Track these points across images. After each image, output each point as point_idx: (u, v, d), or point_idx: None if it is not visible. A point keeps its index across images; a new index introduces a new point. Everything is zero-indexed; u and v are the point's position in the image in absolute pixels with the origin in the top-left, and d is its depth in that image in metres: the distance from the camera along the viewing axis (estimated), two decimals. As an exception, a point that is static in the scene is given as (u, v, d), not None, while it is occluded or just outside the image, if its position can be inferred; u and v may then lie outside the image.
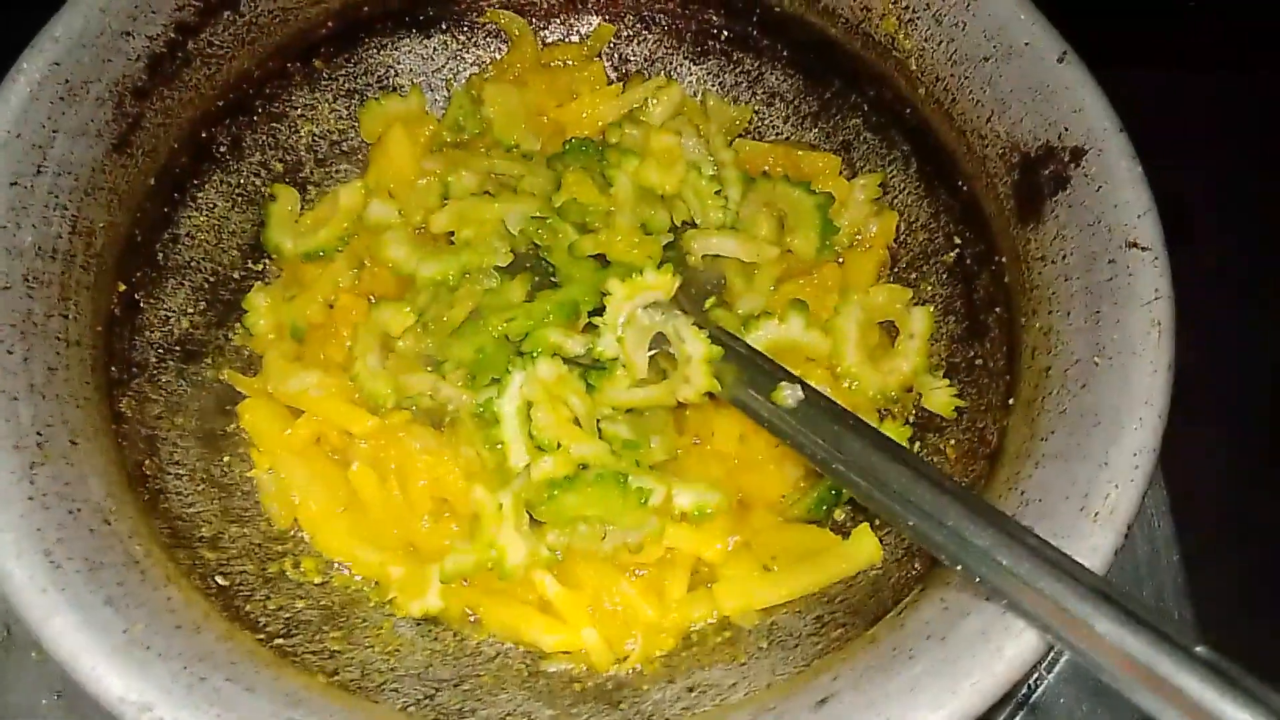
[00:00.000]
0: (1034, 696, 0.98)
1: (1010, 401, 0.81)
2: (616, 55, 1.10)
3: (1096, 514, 0.67)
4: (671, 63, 1.09)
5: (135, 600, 0.64)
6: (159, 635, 0.62)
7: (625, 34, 1.09)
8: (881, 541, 0.86)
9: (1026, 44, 0.86)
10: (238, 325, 0.95)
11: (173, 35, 0.86)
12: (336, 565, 0.88)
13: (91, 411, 0.74)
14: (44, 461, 0.67)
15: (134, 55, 0.83)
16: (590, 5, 1.08)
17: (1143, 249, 0.76)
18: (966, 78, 0.89)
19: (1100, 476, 0.68)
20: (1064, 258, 0.80)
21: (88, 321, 0.78)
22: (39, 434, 0.68)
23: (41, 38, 0.80)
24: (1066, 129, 0.83)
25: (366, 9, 1.00)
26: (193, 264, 0.93)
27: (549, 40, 1.09)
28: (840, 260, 0.99)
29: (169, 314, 0.90)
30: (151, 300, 0.88)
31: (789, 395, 0.80)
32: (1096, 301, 0.76)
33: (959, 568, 0.66)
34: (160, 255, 0.90)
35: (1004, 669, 0.63)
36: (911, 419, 0.93)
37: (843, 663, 0.67)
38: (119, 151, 0.83)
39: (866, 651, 0.67)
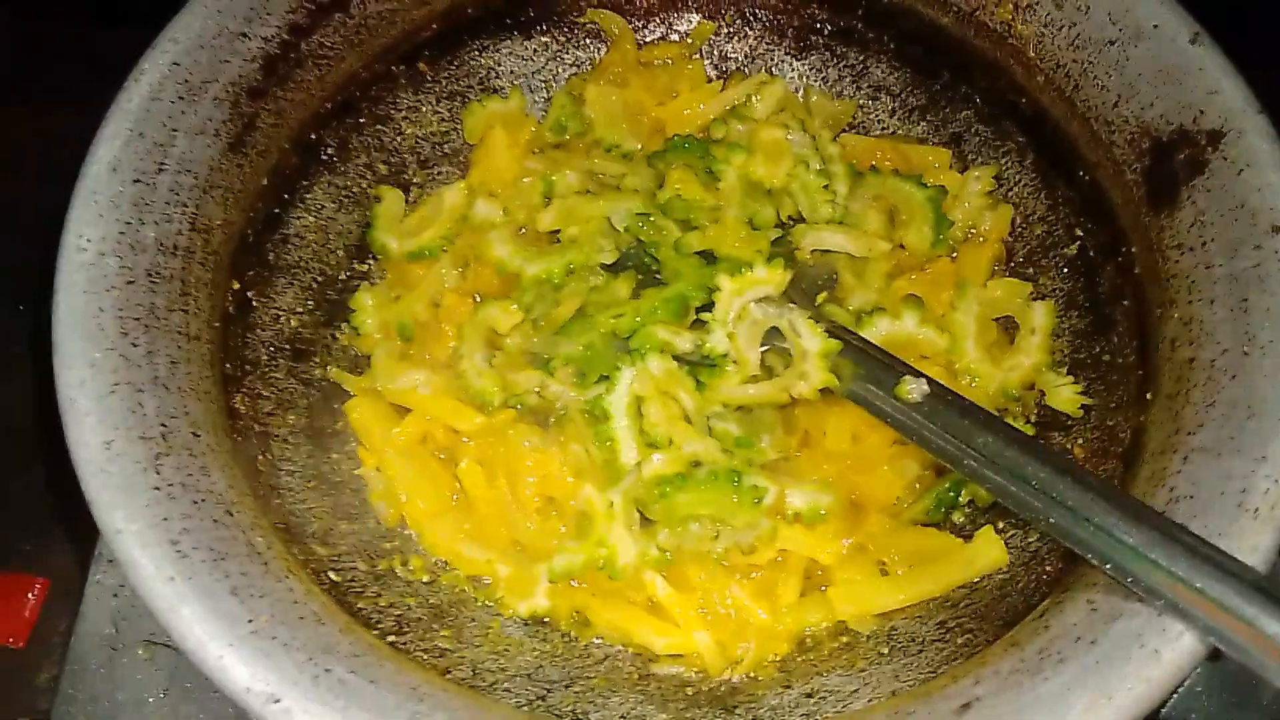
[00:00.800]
0: (1164, 710, 0.93)
1: (1148, 396, 0.77)
2: (716, 53, 1.08)
3: (1256, 510, 0.63)
4: (773, 59, 1.07)
5: (259, 591, 0.63)
6: (284, 626, 0.62)
7: (725, 31, 1.07)
8: (1006, 544, 0.82)
9: (1155, 25, 0.82)
10: (344, 325, 0.95)
11: (286, 36, 0.86)
12: (444, 564, 0.87)
13: (211, 406, 0.75)
14: (168, 452, 0.67)
15: (249, 56, 0.84)
16: (690, 3, 1.07)
17: (1291, 233, 0.72)
18: (1090, 62, 0.86)
19: (1258, 471, 0.64)
20: (1204, 245, 0.76)
21: (206, 317, 0.78)
22: (163, 425, 0.68)
23: (161, 39, 0.82)
24: (1202, 112, 0.79)
25: (470, 11, 1.00)
26: (301, 264, 0.93)
27: (648, 39, 1.08)
28: (954, 255, 0.96)
29: (279, 312, 0.90)
30: (263, 299, 0.89)
31: (913, 389, 0.77)
32: (1242, 289, 0.72)
33: (1107, 566, 0.63)
34: (271, 254, 0.91)
35: (1161, 674, 0.59)
36: (1033, 418, 0.89)
37: (983, 667, 0.63)
38: (234, 151, 0.84)
39: (1009, 656, 0.63)
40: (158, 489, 0.65)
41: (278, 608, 0.63)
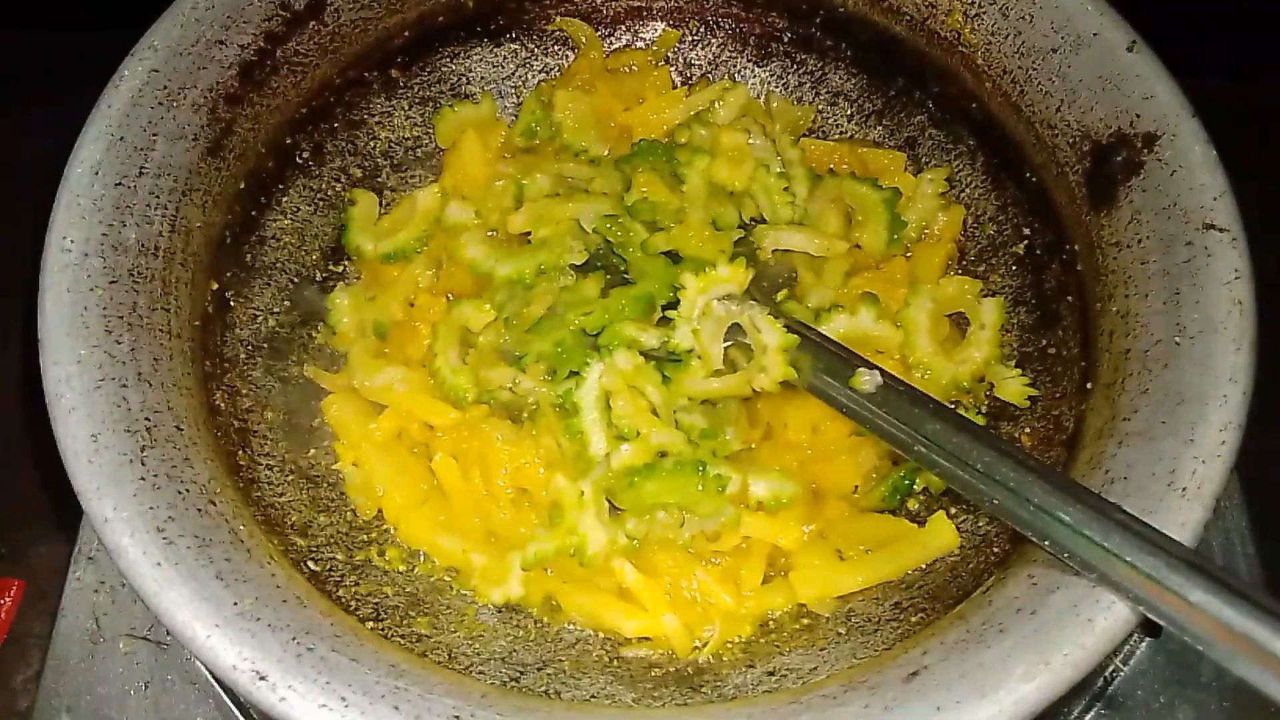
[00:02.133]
0: (1110, 689, 0.97)
1: (1088, 386, 0.81)
2: (681, 60, 1.12)
3: (1184, 489, 0.67)
4: (735, 65, 1.11)
5: (243, 576, 0.66)
6: (268, 608, 0.64)
7: (689, 39, 1.11)
8: (958, 529, 0.86)
9: (1095, 34, 0.87)
10: (320, 324, 0.97)
11: (262, 44, 0.89)
12: (420, 555, 0.90)
13: (192, 401, 0.77)
14: (153, 445, 0.70)
15: (227, 63, 0.87)
16: (655, 11, 1.11)
17: (1220, 230, 0.76)
18: (1035, 69, 0.90)
19: (1186, 452, 0.68)
20: (1139, 242, 0.80)
21: (186, 316, 0.81)
22: (147, 419, 0.71)
23: (140, 46, 0.84)
24: (1138, 116, 0.83)
25: (441, 19, 1.03)
26: (278, 265, 0.96)
27: (615, 46, 1.11)
28: (908, 254, 1.00)
29: (257, 312, 0.93)
30: (241, 299, 0.91)
31: (867, 381, 0.81)
32: (1175, 283, 0.76)
33: (1046, 543, 0.67)
34: (248, 256, 0.93)
35: (1095, 641, 0.63)
36: (984, 409, 0.93)
37: (931, 638, 0.67)
38: (212, 155, 0.86)
39: (955, 628, 0.67)
40: (143, 479, 0.67)
41: (261, 591, 0.65)
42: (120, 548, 0.64)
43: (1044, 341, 0.92)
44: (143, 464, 0.68)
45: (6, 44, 1.41)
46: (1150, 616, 0.63)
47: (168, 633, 0.92)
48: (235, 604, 0.63)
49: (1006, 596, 0.68)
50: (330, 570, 0.82)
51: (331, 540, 0.85)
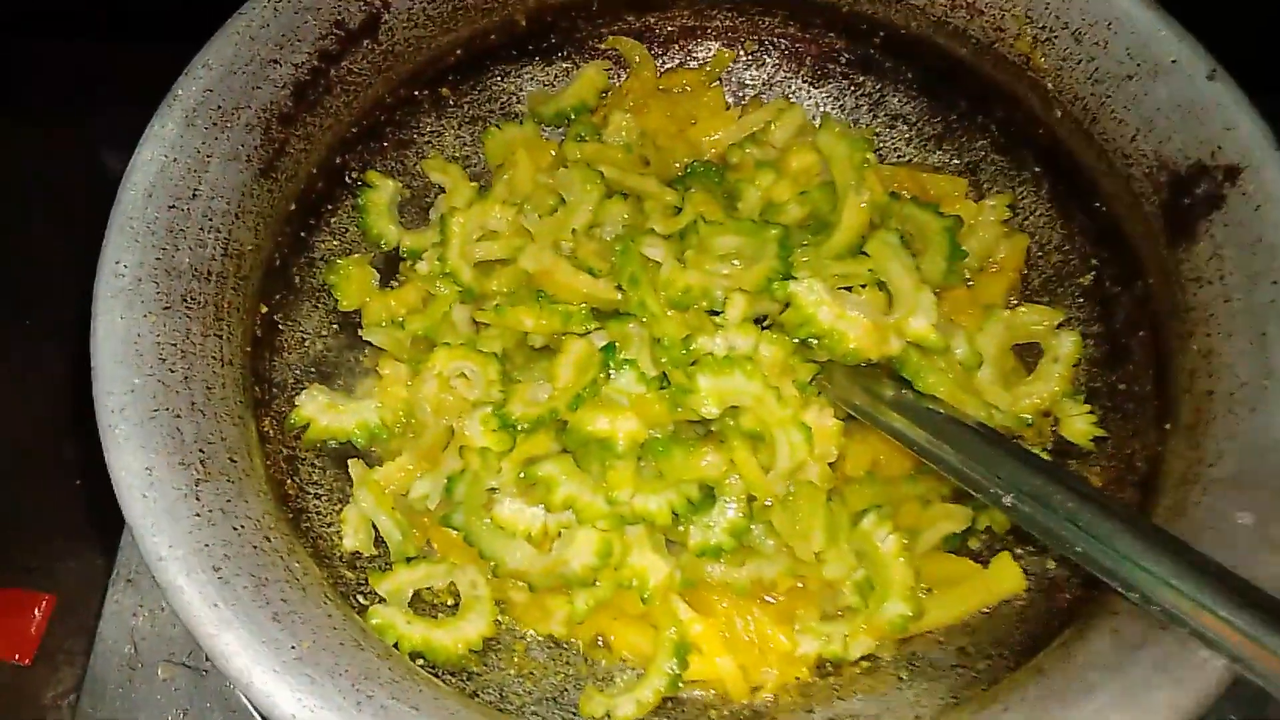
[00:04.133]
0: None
1: (1166, 426, 0.78)
2: (734, 80, 1.09)
3: (1277, 542, 0.64)
4: (790, 86, 1.08)
5: (300, 617, 0.64)
6: (326, 652, 0.62)
7: (744, 59, 1.09)
8: (1024, 571, 0.83)
9: (1173, 61, 0.84)
10: (368, 348, 0.95)
11: (316, 63, 0.87)
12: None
13: (244, 430, 0.76)
14: (207, 478, 0.68)
15: (281, 83, 0.85)
16: (709, 31, 1.08)
17: (1310, 269, 0.74)
18: (1108, 96, 0.87)
19: (1279, 503, 0.65)
20: (1222, 278, 0.77)
21: (238, 343, 0.79)
22: (201, 451, 0.69)
23: (194, 65, 0.82)
24: (1220, 147, 0.80)
25: (493, 37, 1.01)
26: (325, 287, 0.94)
27: (667, 66, 1.09)
28: (970, 283, 0.97)
29: (305, 335, 0.91)
30: (290, 322, 0.90)
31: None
32: (1261, 323, 0.74)
33: (1133, 595, 0.64)
34: (297, 278, 0.91)
35: (1187, 701, 0.60)
36: (1049, 446, 0.90)
37: (1011, 693, 0.65)
38: (265, 176, 0.84)
39: (1036, 684, 0.65)
40: (198, 515, 0.66)
41: (319, 634, 0.63)
42: (176, 587, 0.62)
43: (1114, 377, 0.89)
44: (197, 499, 0.66)
45: (57, 53, 1.41)
46: (1246, 675, 0.60)
47: (207, 660, 0.91)
48: (293, 648, 0.62)
49: (1089, 651, 0.65)
50: (379, 604, 0.80)
51: (379, 572, 0.83)
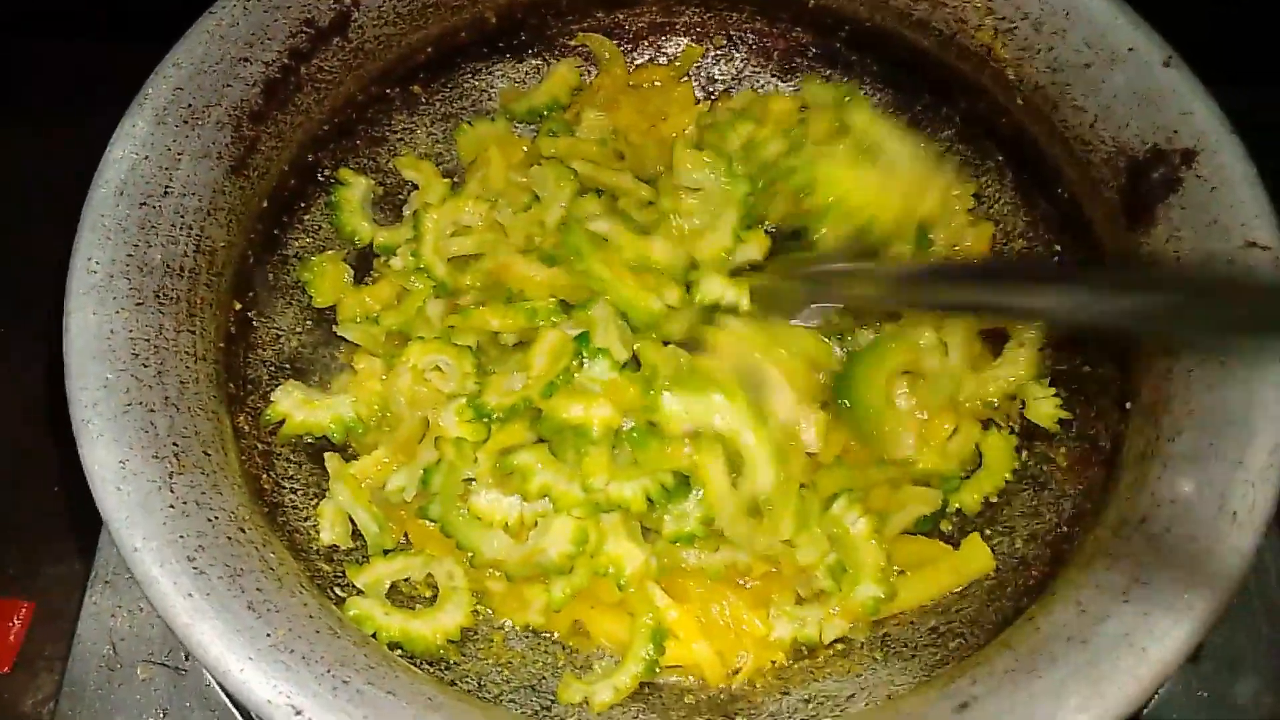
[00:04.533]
0: (1144, 711, 0.95)
1: (1126, 405, 0.80)
2: (704, 75, 1.11)
3: (1235, 514, 0.66)
4: (759, 80, 1.10)
5: (275, 606, 0.64)
6: (301, 639, 0.63)
7: (712, 54, 1.10)
8: (993, 550, 0.85)
9: (1130, 49, 0.86)
10: (342, 344, 0.96)
11: (287, 61, 0.88)
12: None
13: (218, 425, 0.76)
14: (181, 471, 0.68)
15: (251, 81, 0.86)
16: (678, 27, 1.09)
17: (1263, 248, 0.75)
18: (1068, 85, 0.89)
19: (1237, 476, 0.67)
20: (1179, 259, 0.79)
21: (211, 338, 0.80)
22: (175, 445, 0.70)
23: (165, 64, 0.83)
24: (1176, 132, 0.82)
25: (464, 34, 1.02)
26: (299, 284, 0.94)
27: (638, 62, 1.10)
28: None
29: (279, 332, 0.92)
30: (263, 318, 0.90)
31: None
32: (1217, 302, 0.75)
33: None
34: (270, 275, 0.92)
35: (1149, 671, 0.62)
36: (1017, 428, 0.92)
37: (978, 667, 0.66)
38: (236, 173, 0.85)
39: (1003, 657, 0.66)
40: (172, 507, 0.66)
41: (294, 622, 0.64)
42: (150, 578, 0.63)
43: (1077, 359, 0.90)
44: (171, 491, 0.67)
45: (57, 53, 1.40)
46: None
47: (186, 658, 0.91)
48: (269, 635, 0.62)
49: (1055, 624, 0.66)
50: (356, 595, 0.80)
51: (356, 565, 0.84)
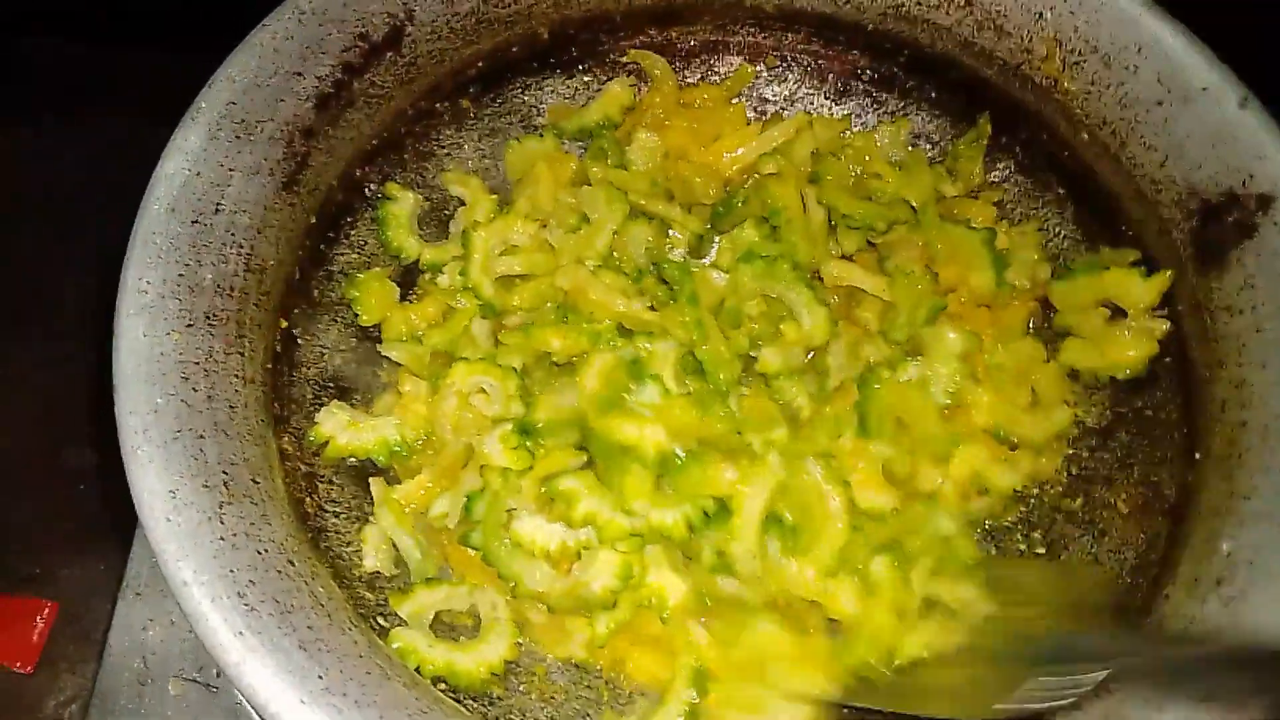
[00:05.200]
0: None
1: (1196, 456, 0.78)
2: (755, 96, 1.09)
3: (1316, 582, 0.64)
4: (812, 102, 1.08)
5: (325, 645, 0.63)
6: (352, 681, 0.61)
7: (766, 74, 1.08)
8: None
9: (1204, 89, 0.83)
10: (386, 363, 0.94)
11: (340, 75, 0.86)
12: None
13: (266, 449, 0.74)
14: (231, 501, 0.67)
15: (304, 95, 0.84)
16: (731, 46, 1.07)
17: (1343, 301, 0.73)
18: (1138, 122, 0.87)
19: (1318, 540, 0.65)
20: (1254, 308, 0.77)
21: (260, 360, 0.78)
22: (225, 473, 0.68)
23: (218, 78, 0.81)
24: (1251, 176, 0.80)
25: (515, 50, 1.00)
26: (344, 301, 0.93)
27: (689, 81, 1.08)
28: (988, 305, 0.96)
29: (324, 350, 0.90)
30: (308, 336, 0.89)
31: None
32: (1296, 355, 0.73)
33: None
34: (316, 291, 0.90)
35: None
36: (1075, 471, 0.89)
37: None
38: (287, 190, 0.83)
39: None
40: (223, 539, 0.64)
41: (345, 662, 0.62)
42: (200, 614, 0.61)
43: (1139, 402, 0.88)
44: (221, 522, 0.65)
45: (57, 55, 1.40)
46: None
47: (217, 675, 0.90)
48: (320, 677, 0.61)
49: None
50: (400, 626, 0.79)
51: (399, 593, 0.82)
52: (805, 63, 1.07)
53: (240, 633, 0.61)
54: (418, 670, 0.73)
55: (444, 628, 0.82)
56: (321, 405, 0.87)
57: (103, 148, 1.31)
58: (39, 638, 1.07)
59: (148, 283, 0.72)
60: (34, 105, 1.38)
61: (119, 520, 1.08)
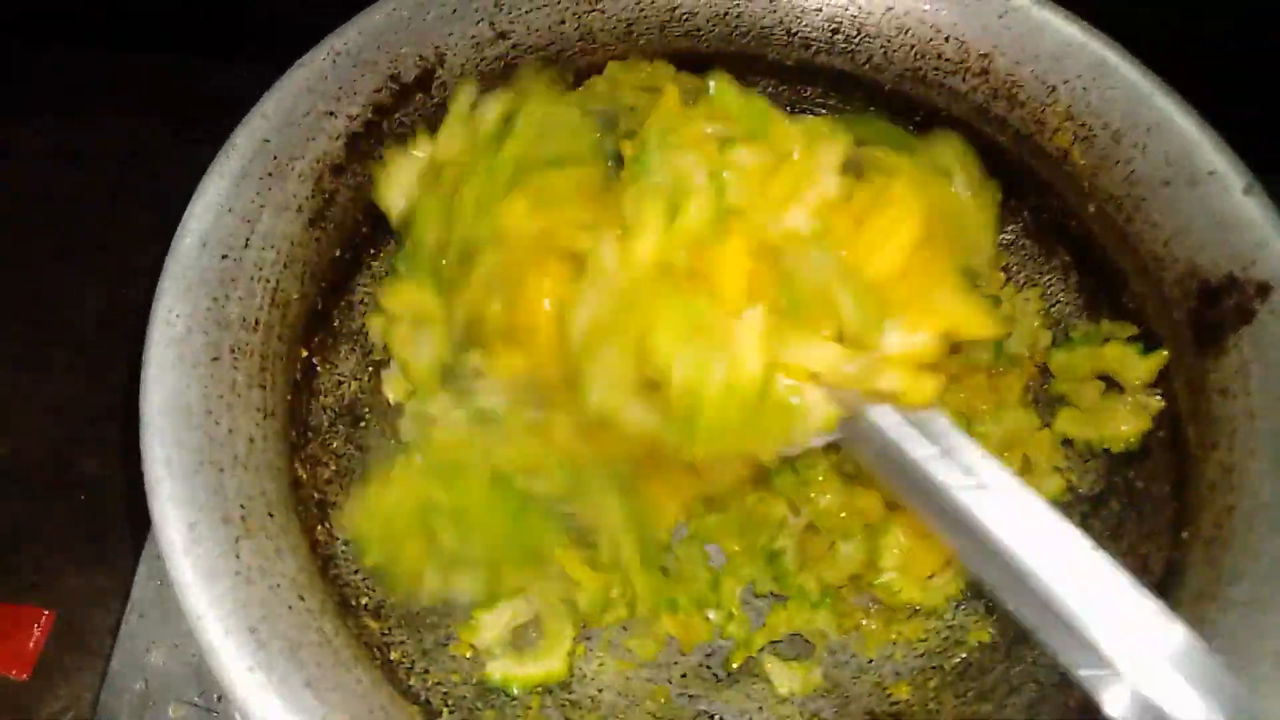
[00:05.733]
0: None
1: (1184, 535, 0.80)
2: (773, 145, 1.11)
3: (1296, 672, 0.66)
4: (828, 157, 1.10)
5: (331, 683, 0.65)
6: (355, 721, 0.64)
7: (784, 125, 1.10)
8: (1035, 662, 0.85)
9: (1210, 173, 0.86)
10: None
11: (370, 115, 0.89)
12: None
13: (282, 482, 0.77)
14: (247, 535, 0.69)
15: (335, 134, 0.87)
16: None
17: (1335, 394, 0.75)
18: (1144, 199, 0.89)
19: (1299, 631, 0.67)
20: (1248, 394, 0.79)
21: (281, 391, 0.80)
22: (243, 506, 0.70)
23: (253, 115, 0.84)
24: (1253, 262, 0.82)
25: (540, 91, 1.02)
26: (363, 330, 0.95)
27: (709, 127, 1.10)
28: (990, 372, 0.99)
29: (341, 379, 0.92)
30: (327, 365, 0.91)
31: None
32: (1286, 445, 0.75)
33: None
34: (336, 321, 0.93)
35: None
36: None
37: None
38: (314, 225, 0.86)
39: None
40: (238, 573, 0.67)
41: (349, 701, 0.65)
42: (213, 648, 0.63)
43: (1131, 473, 0.90)
44: (237, 556, 0.67)
45: (57, 59, 1.41)
46: None
47: (218, 699, 0.92)
48: (324, 717, 0.63)
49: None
50: (402, 657, 0.81)
51: (401, 623, 0.85)
52: (821, 115, 1.09)
53: (250, 669, 0.63)
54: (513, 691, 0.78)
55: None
56: (337, 432, 0.90)
57: (105, 151, 1.33)
58: (35, 646, 1.08)
59: (177, 315, 0.74)
60: (35, 107, 1.39)
61: (121, 530, 1.10)
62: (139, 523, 1.00)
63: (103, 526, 1.14)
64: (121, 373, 1.15)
